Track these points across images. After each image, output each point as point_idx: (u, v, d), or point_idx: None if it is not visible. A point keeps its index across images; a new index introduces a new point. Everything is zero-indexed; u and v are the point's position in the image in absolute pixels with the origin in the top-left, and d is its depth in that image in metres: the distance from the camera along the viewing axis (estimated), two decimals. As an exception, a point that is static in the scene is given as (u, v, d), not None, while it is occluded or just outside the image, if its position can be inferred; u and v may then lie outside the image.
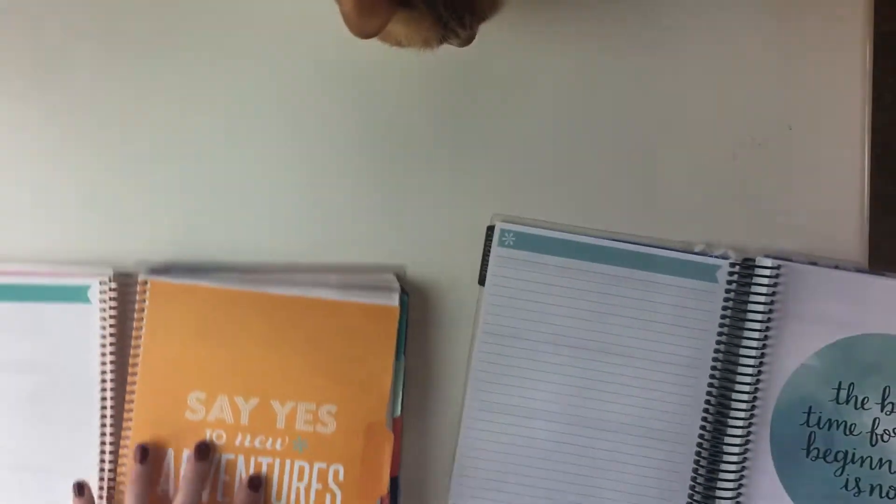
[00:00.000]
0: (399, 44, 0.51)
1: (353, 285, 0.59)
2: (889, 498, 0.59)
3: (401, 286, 0.59)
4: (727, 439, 0.59)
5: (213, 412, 0.58)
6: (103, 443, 0.59)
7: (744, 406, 0.59)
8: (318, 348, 0.58)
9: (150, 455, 0.57)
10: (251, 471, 0.58)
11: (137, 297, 0.59)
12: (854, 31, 0.61)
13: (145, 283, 0.58)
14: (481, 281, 0.60)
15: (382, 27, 0.46)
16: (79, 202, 0.61)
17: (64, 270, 0.60)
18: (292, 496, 0.59)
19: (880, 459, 0.59)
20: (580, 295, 0.60)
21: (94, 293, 0.59)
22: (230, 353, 0.58)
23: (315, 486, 0.58)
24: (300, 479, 0.59)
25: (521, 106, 0.61)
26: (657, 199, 0.61)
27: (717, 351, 0.60)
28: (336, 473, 0.58)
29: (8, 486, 0.60)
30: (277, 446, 0.58)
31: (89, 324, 0.59)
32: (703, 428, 0.60)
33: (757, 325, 0.59)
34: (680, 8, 0.61)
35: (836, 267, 0.59)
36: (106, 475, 0.59)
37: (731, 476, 0.59)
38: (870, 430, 0.59)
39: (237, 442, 0.58)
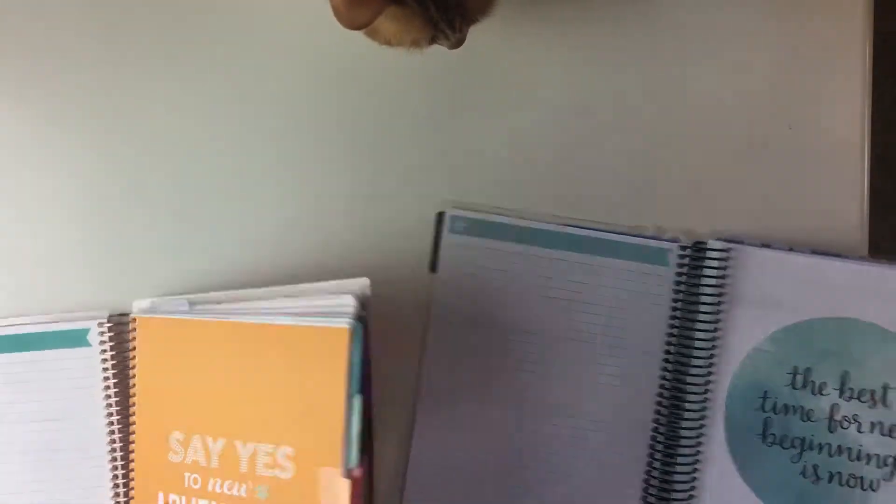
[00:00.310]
0: (388, 42, 0.52)
1: (310, 311, 0.55)
2: (849, 486, 0.57)
3: (361, 310, 0.54)
4: (682, 423, 0.58)
5: (189, 454, 0.54)
6: (116, 485, 0.59)
7: (697, 391, 0.58)
8: (272, 381, 0.53)
9: None
10: None
11: (131, 336, 0.58)
12: (854, 31, 0.61)
13: (135, 320, 0.57)
14: (433, 268, 0.61)
15: (372, 19, 0.47)
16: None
17: (61, 316, 0.60)
18: None
19: (839, 446, 0.57)
20: (532, 281, 0.60)
21: (94, 336, 0.59)
22: (202, 389, 0.55)
23: None
24: None
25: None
26: (654, 191, 0.61)
27: (669, 335, 0.59)
28: None
29: None
30: (243, 493, 0.53)
31: (91, 367, 0.59)
32: (657, 413, 0.59)
33: (708, 309, 0.58)
34: (679, 6, 0.62)
35: (791, 250, 0.58)
36: None
37: (686, 461, 0.58)
38: (828, 416, 0.57)
39: (209, 487, 0.54)
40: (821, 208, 0.60)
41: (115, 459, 0.59)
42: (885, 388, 0.56)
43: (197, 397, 0.55)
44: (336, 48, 0.60)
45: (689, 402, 0.58)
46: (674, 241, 0.59)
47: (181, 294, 0.59)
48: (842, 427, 0.57)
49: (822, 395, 0.57)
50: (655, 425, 0.59)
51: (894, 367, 0.56)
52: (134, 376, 0.57)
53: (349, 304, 0.53)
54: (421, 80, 0.61)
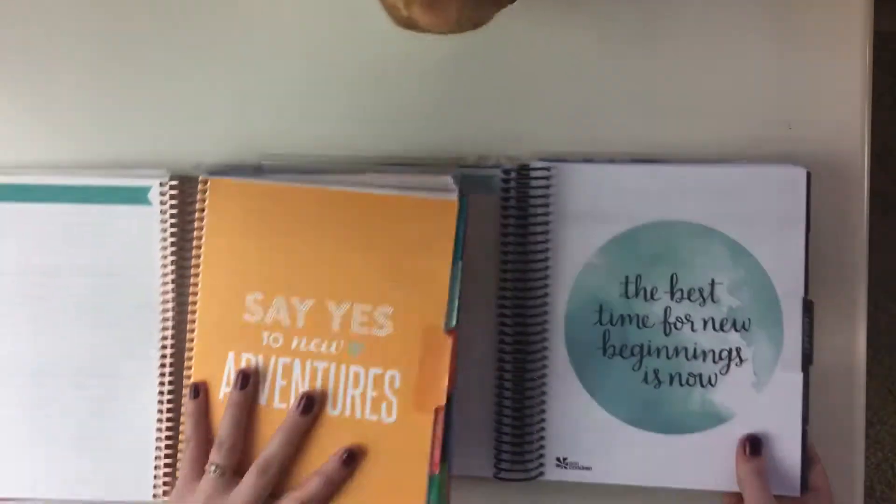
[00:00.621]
0: (460, 26, 0.50)
1: (410, 186, 0.57)
2: (689, 385, 0.58)
3: (459, 188, 0.57)
4: (527, 347, 0.58)
5: (269, 314, 0.57)
6: (164, 346, 0.60)
7: (537, 312, 0.58)
8: (375, 246, 0.56)
9: (250, 381, 0.56)
10: (307, 377, 0.56)
11: (198, 197, 0.58)
12: (854, 31, 0.61)
13: (205, 182, 0.58)
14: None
15: (462, 9, 0.46)
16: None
17: (124, 173, 0.61)
18: (347, 404, 0.56)
19: (675, 348, 0.58)
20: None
21: (155, 194, 0.60)
22: (288, 251, 0.57)
23: (371, 393, 0.56)
24: (356, 385, 0.56)
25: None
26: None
27: (503, 262, 0.59)
28: (392, 380, 0.56)
29: (71, 390, 0.60)
30: (333, 350, 0.56)
31: (150, 225, 0.60)
32: (501, 341, 0.59)
33: (538, 229, 0.58)
34: (679, 6, 0.61)
35: (611, 161, 0.59)
36: (167, 378, 0.60)
37: (534, 384, 0.58)
38: (662, 319, 0.58)
39: (293, 345, 0.56)
40: (821, 208, 0.60)
41: (166, 319, 0.60)
42: (713, 283, 0.57)
43: (281, 260, 0.57)
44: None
45: (530, 324, 0.58)
46: (496, 167, 0.59)
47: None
48: (676, 328, 0.58)
49: (654, 299, 0.58)
50: (500, 354, 0.59)
51: (718, 263, 0.57)
52: (197, 237, 0.58)
53: (451, 182, 0.57)
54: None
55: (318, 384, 0.56)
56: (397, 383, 0.55)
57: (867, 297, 0.61)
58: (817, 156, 0.61)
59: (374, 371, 0.56)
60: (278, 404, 0.56)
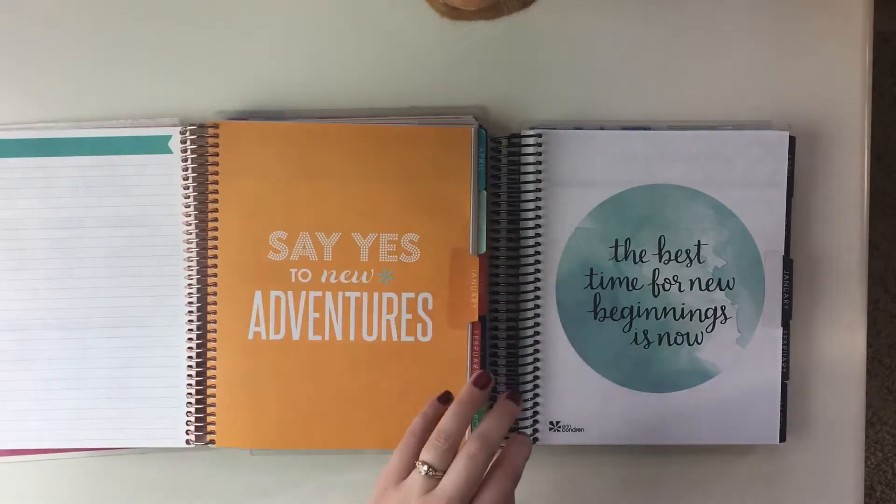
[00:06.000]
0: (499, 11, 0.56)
1: (427, 122, 0.64)
2: (677, 344, 0.64)
3: (480, 125, 0.64)
4: (519, 315, 0.65)
5: (295, 251, 0.63)
6: (190, 294, 0.65)
7: (528, 278, 0.64)
8: (395, 177, 0.63)
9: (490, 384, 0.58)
10: (339, 308, 0.63)
11: (210, 142, 0.63)
12: (854, 31, 0.66)
13: (216, 125, 0.63)
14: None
15: None
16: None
17: (143, 122, 0.65)
18: (383, 329, 0.63)
19: (664, 308, 0.65)
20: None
21: (175, 143, 0.64)
22: (307, 188, 0.63)
23: (405, 316, 0.64)
24: (389, 311, 0.64)
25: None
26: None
27: (495, 229, 0.65)
28: (425, 302, 0.64)
29: (102, 341, 0.65)
30: (364, 280, 0.63)
31: (171, 174, 0.65)
32: (493, 309, 0.65)
33: (529, 196, 0.64)
34: (679, 6, 0.66)
35: (602, 128, 0.65)
36: (195, 324, 0.64)
37: (527, 351, 0.65)
38: (651, 281, 0.65)
39: (323, 279, 0.63)
40: (820, 209, 0.66)
41: (190, 266, 0.65)
42: (699, 245, 0.64)
43: (301, 198, 0.63)
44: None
45: (522, 290, 0.64)
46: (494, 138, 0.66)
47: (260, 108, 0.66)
48: (664, 289, 0.65)
49: (643, 262, 0.65)
50: (493, 322, 0.65)
51: (703, 224, 0.64)
52: (212, 182, 0.64)
53: (471, 118, 0.65)
54: None
55: (352, 313, 0.63)
56: (430, 305, 0.64)
57: (867, 297, 0.66)
58: (817, 155, 0.66)
59: (406, 295, 0.64)
60: (312, 336, 0.63)
